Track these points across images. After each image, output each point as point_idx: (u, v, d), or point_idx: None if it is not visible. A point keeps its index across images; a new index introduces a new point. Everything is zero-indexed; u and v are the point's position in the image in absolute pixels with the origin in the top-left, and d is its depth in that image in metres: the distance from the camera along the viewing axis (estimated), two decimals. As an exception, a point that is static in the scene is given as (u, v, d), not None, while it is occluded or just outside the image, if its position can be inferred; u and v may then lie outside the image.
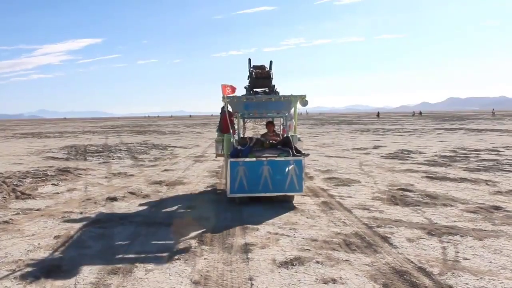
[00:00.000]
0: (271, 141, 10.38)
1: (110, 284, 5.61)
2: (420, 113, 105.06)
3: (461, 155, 19.70)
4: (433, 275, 5.78)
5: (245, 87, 11.30)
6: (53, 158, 20.54)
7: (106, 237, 7.61)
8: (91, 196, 11.27)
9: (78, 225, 8.37)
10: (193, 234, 7.74)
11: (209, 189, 12.16)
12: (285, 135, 10.83)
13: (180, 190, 12.03)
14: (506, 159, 18.16)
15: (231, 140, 10.29)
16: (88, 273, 5.97)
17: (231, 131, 10.37)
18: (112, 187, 12.58)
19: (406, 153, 21.09)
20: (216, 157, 12.45)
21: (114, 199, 10.79)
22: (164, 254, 6.68)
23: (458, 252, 6.65)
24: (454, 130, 41.49)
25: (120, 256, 6.64)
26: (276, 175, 9.56)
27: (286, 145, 10.02)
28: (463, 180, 13.01)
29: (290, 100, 10.35)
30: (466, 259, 6.36)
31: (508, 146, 23.76)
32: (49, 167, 16.79)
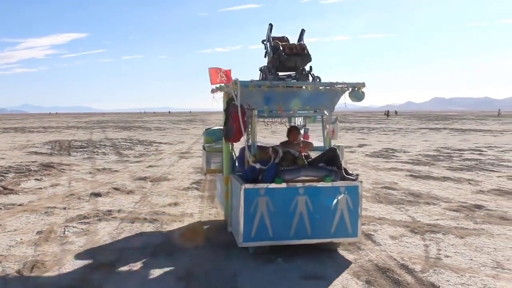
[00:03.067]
0: (306, 155, 6.84)
1: (93, 279, 5.58)
2: (396, 112, 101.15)
3: (445, 155, 19.90)
4: (415, 272, 5.84)
5: (260, 69, 7.27)
6: (36, 153, 20.34)
7: (90, 232, 7.57)
8: (74, 191, 11.18)
9: (61, 221, 8.31)
10: (178, 230, 7.73)
11: (194, 185, 12.12)
12: (325, 146, 7.30)
13: (164, 186, 11.98)
14: (489, 158, 18.38)
15: (246, 151, 6.53)
16: (71, 268, 5.94)
17: (244, 137, 6.39)
18: (96, 183, 12.49)
19: (391, 151, 21.24)
20: (205, 174, 8.96)
21: (98, 194, 10.72)
22: (149, 250, 6.67)
23: (440, 249, 6.73)
24: (438, 130, 41.88)
25: (103, 252, 6.61)
26: (318, 211, 6.21)
27: (331, 161, 6.48)
28: (446, 179, 13.15)
29: (336, 91, 6.74)
30: (447, 256, 6.44)
31: (490, 146, 24.05)
32: (32, 162, 16.63)
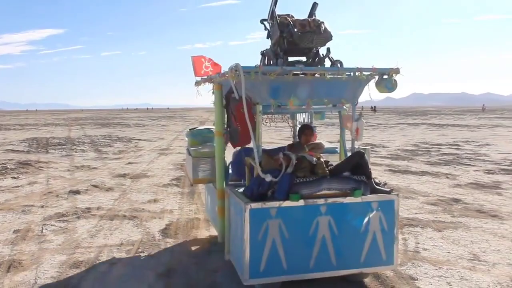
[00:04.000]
0: (325, 161, 5.36)
1: (71, 278, 5.53)
2: (374, 108, 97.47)
3: (423, 149, 20.14)
4: (394, 265, 5.90)
5: (262, 53, 5.82)
6: (13, 151, 20.03)
7: (68, 230, 7.48)
8: (53, 189, 11.04)
9: (39, 219, 8.20)
10: (157, 227, 7.69)
11: (173, 182, 12.06)
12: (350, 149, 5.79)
13: (144, 183, 11.90)
14: (466, 153, 18.66)
15: (256, 159, 5.02)
16: (49, 267, 5.87)
17: (253, 141, 5.06)
18: (75, 180, 12.36)
19: (370, 146, 21.42)
20: (191, 184, 7.49)
21: (76, 192, 10.60)
22: (128, 247, 6.62)
23: (418, 243, 6.81)
24: (417, 125, 42.35)
25: (82, 249, 6.54)
26: (345, 235, 4.96)
27: (359, 169, 5.15)
28: (424, 173, 13.31)
29: (360, 80, 5.38)
30: (425, 249, 6.52)
31: (467, 141, 24.41)
32: (9, 160, 16.36)
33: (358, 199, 4.92)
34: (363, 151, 5.37)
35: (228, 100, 5.41)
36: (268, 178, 4.81)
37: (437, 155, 18.05)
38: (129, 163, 16.10)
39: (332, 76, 5.30)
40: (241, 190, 5.31)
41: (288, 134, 19.92)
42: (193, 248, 6.64)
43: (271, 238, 4.73)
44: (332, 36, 5.41)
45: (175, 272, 5.72)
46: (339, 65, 5.33)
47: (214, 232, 7.21)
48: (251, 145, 5.16)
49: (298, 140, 6.14)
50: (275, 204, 4.73)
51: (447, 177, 12.57)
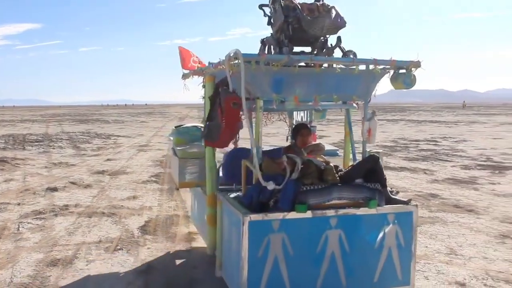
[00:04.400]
0: (335, 167, 4.67)
1: (49, 276, 5.46)
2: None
3: (402, 145, 20.37)
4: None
5: (262, 41, 4.94)
6: (-11, 147, 19.70)
7: (46, 228, 7.38)
8: (29, 186, 10.88)
9: (15, 217, 8.07)
10: (136, 224, 7.64)
11: (152, 178, 11.99)
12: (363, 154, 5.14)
13: (123, 180, 11.80)
14: (443, 149, 18.92)
15: (255, 163, 4.31)
16: (26, 265, 5.78)
17: (252, 140, 4.38)
18: (53, 177, 12.19)
19: (343, 143, 21.54)
20: (177, 188, 7.08)
21: (54, 189, 10.46)
22: (106, 245, 6.56)
23: (396, 238, 6.88)
24: (396, 121, 42.79)
25: (60, 247, 6.46)
26: (357, 251, 4.38)
27: (373, 176, 4.57)
28: (402, 169, 13.47)
29: (374, 74, 4.76)
30: (403, 244, 6.59)
31: (445, 137, 24.76)
32: (-15, 156, 16.09)
33: (372, 211, 4.31)
34: (377, 156, 4.78)
35: (218, 91, 4.42)
36: (271, 186, 4.09)
37: (415, 151, 18.27)
38: (108, 159, 15.95)
39: (343, 69, 4.62)
40: (233, 195, 4.83)
41: (282, 135, 19.85)
42: (172, 244, 6.61)
43: (273, 255, 4.10)
44: (345, 23, 4.64)
45: (154, 269, 5.69)
46: (352, 56, 4.63)
47: (194, 228, 7.20)
48: (251, 146, 4.47)
49: (293, 141, 5.44)
50: (279, 215, 4.07)
51: (425, 173, 12.73)
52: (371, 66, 4.62)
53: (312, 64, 4.56)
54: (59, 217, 8.08)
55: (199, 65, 5.93)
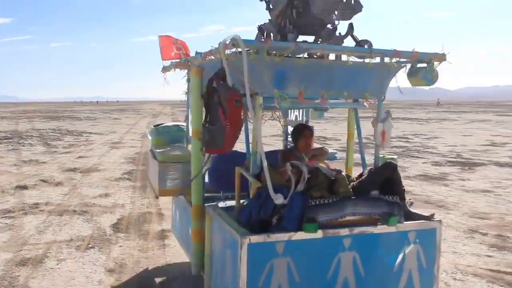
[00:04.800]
0: (347, 176, 4.13)
1: (18, 276, 5.35)
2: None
3: (374, 142, 20.55)
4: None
5: (260, 28, 4.30)
6: (-44, 144, 19.23)
7: (15, 227, 7.24)
8: (-2, 184, 10.67)
9: (-17, 215, 7.90)
10: (108, 221, 7.56)
11: (125, 175, 11.87)
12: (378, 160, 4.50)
13: (95, 177, 11.65)
14: (415, 146, 19.22)
15: (266, 171, 3.53)
16: (-6, 265, 5.67)
17: (258, 144, 3.71)
18: (22, 175, 11.96)
19: (322, 139, 21.69)
20: (157, 196, 5.22)
21: (24, 187, 10.27)
22: (78, 243, 6.48)
23: (368, 233, 6.96)
24: (368, 118, 43.22)
25: (29, 246, 6.34)
26: (372, 276, 3.77)
27: (389, 186, 3.95)
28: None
29: (389, 68, 4.15)
30: (375, 240, 6.67)
31: (416, 134, 25.15)
32: (-49, 154, 15.70)
33: (391, 228, 3.67)
34: (395, 163, 4.11)
35: (211, 88, 3.60)
36: (280, 199, 3.43)
37: (387, 148, 18.48)
38: (80, 157, 15.73)
39: (355, 62, 3.97)
40: (221, 204, 4.45)
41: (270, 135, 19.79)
42: (145, 242, 6.56)
43: (276, 283, 3.43)
44: (362, 7, 3.96)
45: (126, 267, 5.64)
46: (366, 46, 3.94)
47: (167, 225, 7.16)
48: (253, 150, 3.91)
49: (292, 145, 4.78)
50: (284, 236, 3.39)
51: (397, 169, 12.89)
52: (386, 59, 3.98)
53: (316, 56, 4.02)
54: (29, 215, 7.94)
55: (184, 53, 5.23)
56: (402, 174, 4.14)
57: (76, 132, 26.55)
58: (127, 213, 8.14)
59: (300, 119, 5.53)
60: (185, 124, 5.37)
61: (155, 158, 5.02)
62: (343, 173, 3.95)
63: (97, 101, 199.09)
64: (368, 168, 4.30)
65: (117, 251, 6.20)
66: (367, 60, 3.95)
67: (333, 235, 3.51)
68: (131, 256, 6.02)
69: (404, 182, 8.12)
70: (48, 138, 22.87)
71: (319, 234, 3.45)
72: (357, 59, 4.00)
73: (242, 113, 3.62)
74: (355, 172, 4.87)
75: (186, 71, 5.17)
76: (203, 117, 3.83)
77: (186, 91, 5.23)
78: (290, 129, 5.39)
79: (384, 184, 3.89)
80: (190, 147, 4.79)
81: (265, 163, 3.44)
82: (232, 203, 4.50)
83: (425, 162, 14.32)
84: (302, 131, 4.59)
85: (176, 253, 6.03)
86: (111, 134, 25.62)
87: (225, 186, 4.61)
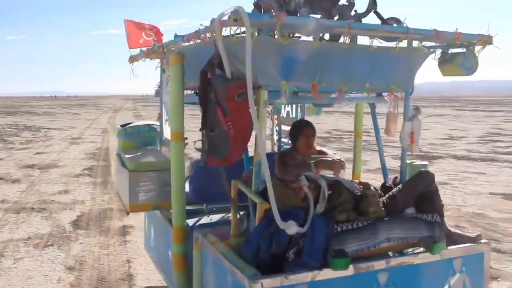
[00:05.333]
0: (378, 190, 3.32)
1: (-28, 275, 5.21)
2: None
3: (336, 136, 20.86)
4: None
5: (256, 4, 3.37)
6: None
7: (-31, 225, 7.03)
8: (-49, 182, 10.32)
9: None
10: (68, 218, 7.42)
11: (85, 171, 11.67)
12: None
13: (54, 174, 11.41)
14: (374, 139, 19.54)
15: (269, 188, 2.51)
16: None
17: (261, 151, 2.63)
18: (-23, 172, 11.62)
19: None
20: (128, 213, 4.39)
21: (-22, 184, 9.98)
22: (36, 241, 6.34)
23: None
24: (330, 113, 43.72)
25: (-16, 245, 6.17)
26: None
27: (426, 202, 3.18)
28: (337, 159, 13.78)
29: (419, 53, 3.29)
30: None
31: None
32: None
33: (435, 257, 2.93)
34: (431, 173, 3.33)
35: (206, 83, 2.75)
36: (293, 228, 2.53)
37: (349, 141, 18.73)
38: (38, 153, 15.37)
39: (380, 46, 3.08)
40: (204, 220, 3.90)
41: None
42: (106, 239, 6.47)
43: None
44: None
45: (86, 264, 5.56)
46: (395, 24, 3.10)
47: (128, 222, 7.09)
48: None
49: (290, 147, 4.07)
50: (305, 276, 2.55)
51: (358, 163, 13.09)
52: (414, 43, 3.25)
53: (324, 39, 3.26)
54: (-16, 213, 7.72)
55: (155, 39, 4.55)
56: (363, 168, 4.08)
57: (34, 128, 25.91)
58: (88, 209, 8.01)
59: (294, 115, 4.90)
60: (158, 123, 4.44)
61: (123, 166, 4.09)
62: (373, 189, 3.14)
63: (55, 96, 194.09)
64: (391, 177, 3.57)
65: (77, 248, 6.10)
66: (392, 44, 3.11)
67: (366, 270, 2.73)
68: (91, 253, 5.93)
69: (365, 175, 7.69)
70: (5, 134, 22.25)
71: (350, 270, 2.65)
72: (379, 44, 3.12)
73: (247, 109, 2.60)
74: (364, 178, 4.12)
75: (158, 60, 4.08)
76: (201, 120, 2.84)
77: (159, 84, 4.27)
78: (284, 128, 4.93)
79: (421, 198, 3.19)
80: (165, 150, 4.18)
81: (268, 179, 2.48)
82: (217, 217, 3.97)
83: (385, 156, 14.56)
84: (302, 129, 3.83)
85: (137, 249, 5.98)
86: (71, 129, 25.10)
87: (209, 197, 3.93)
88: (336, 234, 2.71)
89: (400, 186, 3.26)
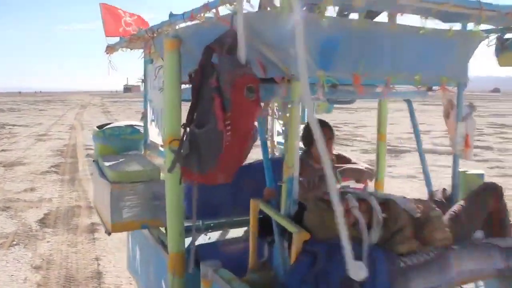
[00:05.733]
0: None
1: None
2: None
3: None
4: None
5: None
6: None
7: None
8: None
9: None
10: (34, 217, 7.28)
11: (52, 169, 11.45)
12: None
13: (19, 171, 11.17)
14: (344, 134, 19.77)
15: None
16: None
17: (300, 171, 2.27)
18: None
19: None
20: (109, 233, 3.27)
21: None
22: (1, 241, 6.21)
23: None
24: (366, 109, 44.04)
25: None
26: None
27: (491, 220, 2.57)
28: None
29: (473, 39, 2.65)
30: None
31: (346, 123, 25.82)
32: None
33: None
34: (499, 185, 2.73)
35: (206, 64, 2.09)
36: (363, 272, 1.68)
37: (471, 159, 18.80)
38: (2, 150, 15.05)
39: (430, 30, 2.40)
40: (202, 239, 3.38)
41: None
42: (74, 237, 6.38)
43: None
44: None
45: (54, 263, 5.47)
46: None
47: (97, 219, 6.98)
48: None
49: (303, 153, 3.35)
50: None
51: (327, 157, 13.23)
52: (469, 25, 2.71)
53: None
54: None
55: (134, 29, 3.83)
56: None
57: (-1, 124, 25.32)
58: (55, 207, 7.87)
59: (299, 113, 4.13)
60: (142, 124, 3.88)
61: (103, 176, 3.39)
62: (436, 210, 2.47)
63: (19, 92, 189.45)
64: (438, 189, 3.08)
65: (44, 247, 5.99)
66: (444, 27, 2.54)
67: None
68: (59, 251, 5.84)
69: (388, 185, 5.97)
70: (-33, 131, 21.67)
71: None
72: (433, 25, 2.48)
73: (256, 112, 2.07)
74: (389, 188, 3.39)
75: (144, 48, 3.43)
76: (188, 113, 2.19)
77: (142, 78, 3.72)
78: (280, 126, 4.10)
79: (491, 219, 2.63)
80: (149, 155, 3.71)
81: (335, 197, 1.61)
82: (216, 235, 3.46)
83: (354, 150, 14.77)
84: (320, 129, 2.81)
85: (106, 246, 5.91)
86: (37, 126, 24.57)
87: (206, 210, 3.20)
88: (400, 271, 2.09)
89: (462, 202, 2.64)
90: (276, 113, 3.74)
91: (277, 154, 4.36)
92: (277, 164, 2.46)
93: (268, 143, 4.23)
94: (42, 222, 7.03)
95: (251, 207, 2.56)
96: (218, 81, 1.99)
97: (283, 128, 3.42)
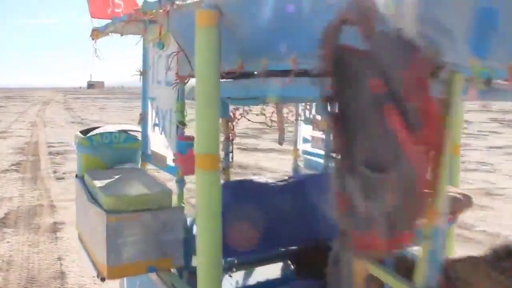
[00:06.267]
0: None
1: None
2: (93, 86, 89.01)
3: (270, 128, 21.02)
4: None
5: None
6: None
7: None
8: None
9: None
10: (-6, 217, 7.14)
11: (13, 167, 11.21)
12: None
13: (-22, 170, 10.91)
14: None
15: None
16: None
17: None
18: None
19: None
20: (104, 279, 2.52)
21: None
22: (-42, 242, 6.06)
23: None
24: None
25: None
26: None
27: None
28: (271, 150, 13.97)
29: None
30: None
31: (311, 119, 26.12)
32: None
33: None
34: None
35: (352, 47, 1.27)
36: None
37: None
38: (-40, 148, 14.62)
39: None
40: (228, 282, 2.84)
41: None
42: (36, 237, 6.28)
43: None
44: None
45: (15, 264, 5.40)
46: None
47: (59, 218, 6.90)
48: None
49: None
50: None
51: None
52: None
53: None
54: None
55: (123, 11, 3.24)
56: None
57: (-45, 122, 24.58)
58: (16, 206, 7.74)
59: (306, 114, 3.69)
60: (137, 128, 3.25)
61: (93, 201, 2.59)
62: None
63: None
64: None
65: (4, 247, 5.90)
66: None
67: None
68: (20, 252, 5.76)
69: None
70: None
71: None
72: None
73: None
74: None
75: (143, 33, 2.83)
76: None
77: (140, 70, 3.13)
78: (308, 132, 3.62)
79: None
80: (148, 165, 3.10)
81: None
82: (239, 275, 2.90)
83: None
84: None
85: (69, 246, 5.85)
86: (-4, 123, 24.00)
87: (233, 245, 2.44)
88: None
89: None
90: (302, 115, 3.36)
91: (301, 165, 3.72)
92: (318, 181, 1.83)
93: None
94: (2, 222, 6.91)
95: (358, 271, 1.63)
96: (387, 79, 1.20)
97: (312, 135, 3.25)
